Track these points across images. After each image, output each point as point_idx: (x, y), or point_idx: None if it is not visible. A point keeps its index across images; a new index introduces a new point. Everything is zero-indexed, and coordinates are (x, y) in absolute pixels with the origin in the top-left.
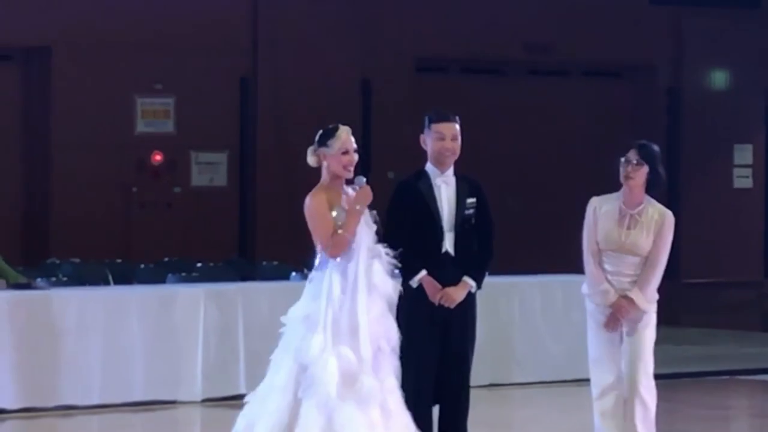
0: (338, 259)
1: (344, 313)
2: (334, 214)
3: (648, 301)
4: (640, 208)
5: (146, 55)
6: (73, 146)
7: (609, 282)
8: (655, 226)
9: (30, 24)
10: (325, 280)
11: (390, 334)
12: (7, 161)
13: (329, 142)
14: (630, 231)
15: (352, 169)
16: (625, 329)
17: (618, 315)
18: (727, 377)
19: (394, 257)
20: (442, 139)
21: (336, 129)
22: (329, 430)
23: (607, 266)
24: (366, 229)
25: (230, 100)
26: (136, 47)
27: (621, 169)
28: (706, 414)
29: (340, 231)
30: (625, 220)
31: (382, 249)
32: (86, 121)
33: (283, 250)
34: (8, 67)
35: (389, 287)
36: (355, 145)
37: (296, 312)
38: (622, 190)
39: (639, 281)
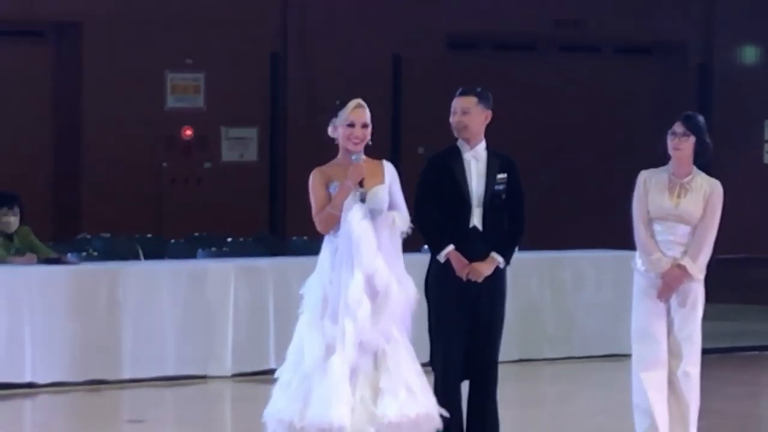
0: (332, 234)
1: (334, 288)
2: (332, 189)
3: (700, 270)
4: (690, 177)
5: (176, 30)
6: (104, 122)
7: (661, 251)
8: (705, 195)
9: (60, 0)
10: (320, 255)
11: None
12: (38, 137)
13: (339, 113)
14: (681, 199)
15: (358, 143)
16: (675, 301)
17: (671, 284)
18: (757, 353)
19: (423, 233)
20: (454, 114)
21: (350, 100)
22: (306, 402)
23: (658, 237)
24: (357, 208)
25: (260, 76)
26: (167, 22)
27: (668, 142)
28: (736, 390)
29: (327, 207)
30: (676, 188)
31: (395, 216)
32: (117, 97)
33: (313, 225)
34: (39, 42)
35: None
36: (364, 120)
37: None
38: (671, 162)
39: (690, 250)
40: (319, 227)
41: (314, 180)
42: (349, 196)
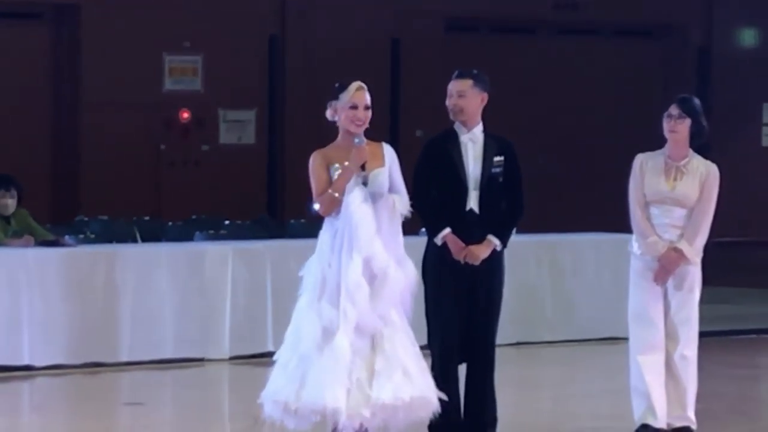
0: (332, 216)
1: (333, 270)
2: (332, 172)
3: (696, 253)
4: (686, 160)
5: (174, 12)
6: (102, 104)
7: (657, 234)
8: (701, 178)
9: None
10: (319, 238)
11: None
12: (36, 119)
13: (341, 95)
14: (677, 182)
15: (360, 125)
16: (672, 284)
17: (667, 267)
18: (755, 336)
19: (421, 216)
20: (450, 97)
21: (349, 83)
22: (302, 384)
23: (654, 220)
24: (357, 192)
25: (259, 58)
26: (165, 5)
27: (664, 124)
28: (734, 373)
29: (329, 190)
30: (672, 171)
31: (395, 199)
32: (115, 79)
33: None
34: (38, 24)
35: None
36: (367, 102)
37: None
38: (667, 144)
39: (687, 233)
40: (320, 210)
41: (315, 162)
42: (351, 179)
